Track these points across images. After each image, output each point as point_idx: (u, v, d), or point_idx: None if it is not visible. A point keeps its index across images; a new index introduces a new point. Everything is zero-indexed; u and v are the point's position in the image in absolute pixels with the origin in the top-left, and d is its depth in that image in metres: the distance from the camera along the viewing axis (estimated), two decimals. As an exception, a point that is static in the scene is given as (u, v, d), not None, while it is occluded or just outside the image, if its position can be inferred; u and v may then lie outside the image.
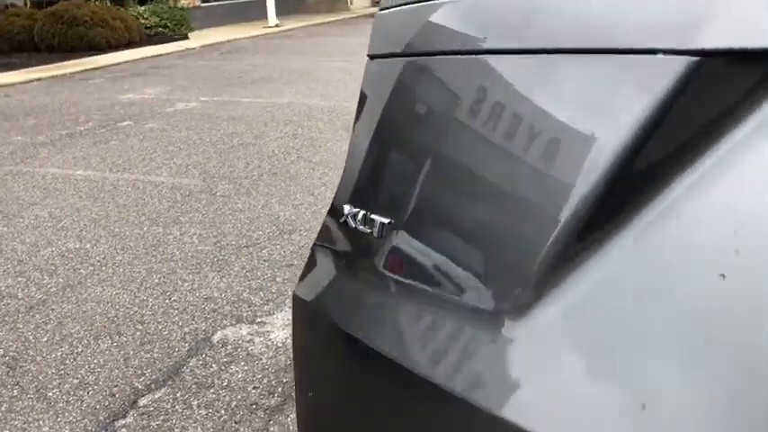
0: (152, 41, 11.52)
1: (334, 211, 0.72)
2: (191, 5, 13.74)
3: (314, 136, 4.96)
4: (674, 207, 0.42)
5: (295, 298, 0.75)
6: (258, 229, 3.24)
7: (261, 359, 2.15)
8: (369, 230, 0.64)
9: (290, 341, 2.23)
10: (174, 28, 12.42)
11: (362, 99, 0.73)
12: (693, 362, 0.37)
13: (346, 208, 0.68)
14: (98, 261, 2.96)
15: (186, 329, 2.35)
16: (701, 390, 0.37)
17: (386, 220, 0.62)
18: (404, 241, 0.61)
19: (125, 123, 5.65)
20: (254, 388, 2.01)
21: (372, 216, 0.64)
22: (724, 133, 0.42)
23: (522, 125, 0.52)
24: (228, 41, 11.90)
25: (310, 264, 0.76)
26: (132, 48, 10.94)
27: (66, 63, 9.49)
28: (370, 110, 0.71)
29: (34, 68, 9.03)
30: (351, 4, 17.63)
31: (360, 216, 0.65)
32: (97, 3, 11.91)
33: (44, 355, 2.23)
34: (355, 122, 0.74)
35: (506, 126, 0.54)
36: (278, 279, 2.71)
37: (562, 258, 0.46)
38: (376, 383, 0.58)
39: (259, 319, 2.40)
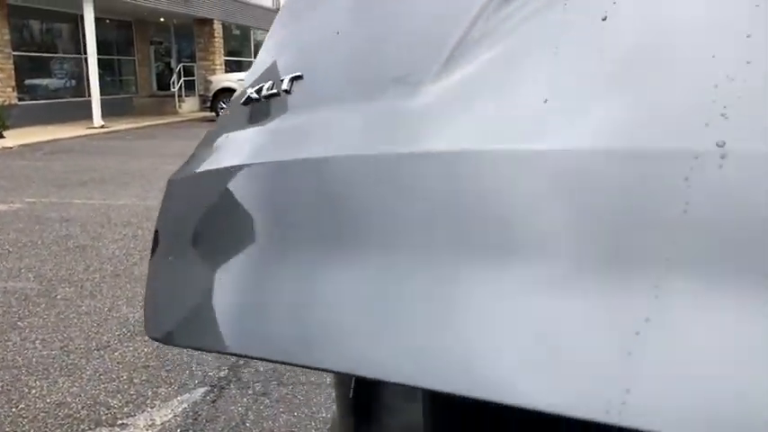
0: (-39, 139, 10.75)
1: (237, 99, 0.75)
2: (5, 102, 13.02)
3: (156, 237, 4.91)
4: None
5: (171, 182, 0.73)
6: (108, 332, 3.16)
7: (127, 461, 2.11)
8: (275, 91, 0.67)
9: (155, 441, 2.21)
10: (-13, 126, 11.69)
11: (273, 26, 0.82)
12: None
13: (249, 90, 0.71)
14: (-74, 372, 2.73)
15: (40, 437, 2.24)
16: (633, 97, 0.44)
17: (297, 73, 0.66)
18: (318, 79, 0.65)
19: (-60, 225, 5.23)
20: (124, 490, 1.96)
21: (281, 78, 0.67)
22: None
23: None
24: (51, 141, 11.39)
25: (191, 158, 0.76)
26: (-62, 145, 10.12)
27: None
28: (278, 28, 0.79)
29: None
30: (180, 108, 17.64)
31: (266, 85, 0.68)
32: None
33: None
34: (267, 38, 0.82)
35: None
36: (135, 380, 2.66)
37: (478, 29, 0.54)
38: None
39: (120, 421, 2.35)
